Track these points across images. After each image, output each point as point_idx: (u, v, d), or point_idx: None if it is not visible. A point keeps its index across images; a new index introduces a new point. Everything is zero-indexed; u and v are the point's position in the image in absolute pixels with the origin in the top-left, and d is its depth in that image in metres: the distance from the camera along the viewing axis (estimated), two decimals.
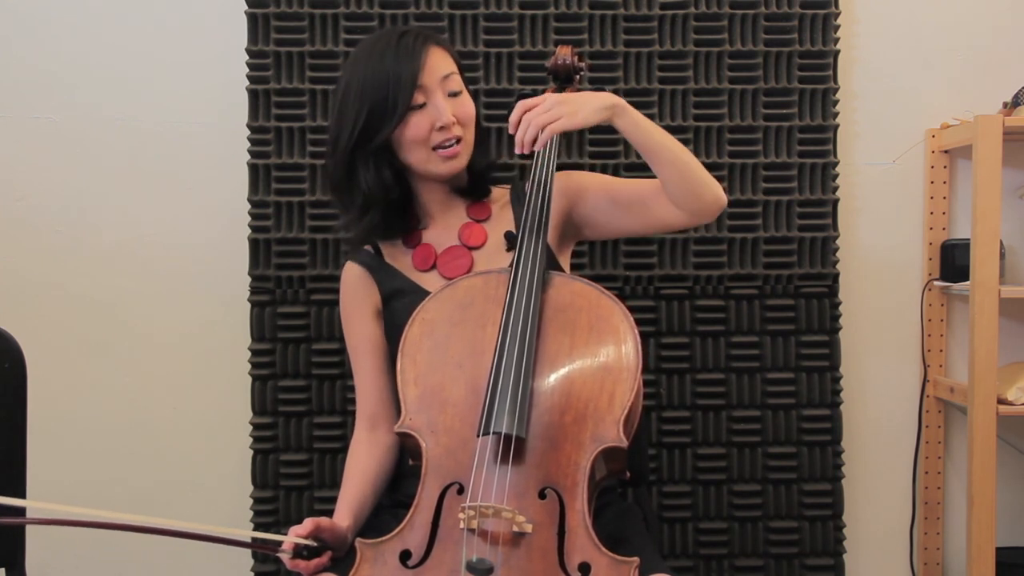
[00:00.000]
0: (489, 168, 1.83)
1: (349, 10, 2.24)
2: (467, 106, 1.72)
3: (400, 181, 1.76)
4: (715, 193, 1.67)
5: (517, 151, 1.59)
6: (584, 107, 1.57)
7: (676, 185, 1.64)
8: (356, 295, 1.79)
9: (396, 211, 1.77)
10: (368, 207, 1.74)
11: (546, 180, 1.68)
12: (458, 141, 1.70)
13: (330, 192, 1.83)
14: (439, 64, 1.68)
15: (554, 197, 1.70)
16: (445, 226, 1.79)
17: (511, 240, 1.72)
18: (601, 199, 1.77)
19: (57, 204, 2.32)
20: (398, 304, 1.73)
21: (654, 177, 1.67)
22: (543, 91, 1.88)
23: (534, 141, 1.56)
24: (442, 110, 1.67)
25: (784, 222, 2.29)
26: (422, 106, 1.67)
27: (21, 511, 1.36)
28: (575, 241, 1.86)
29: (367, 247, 1.81)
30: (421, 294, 1.67)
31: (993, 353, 2.13)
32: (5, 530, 1.64)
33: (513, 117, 1.60)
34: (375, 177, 1.71)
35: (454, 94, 1.70)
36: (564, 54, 1.89)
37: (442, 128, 1.68)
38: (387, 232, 1.79)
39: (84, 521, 1.27)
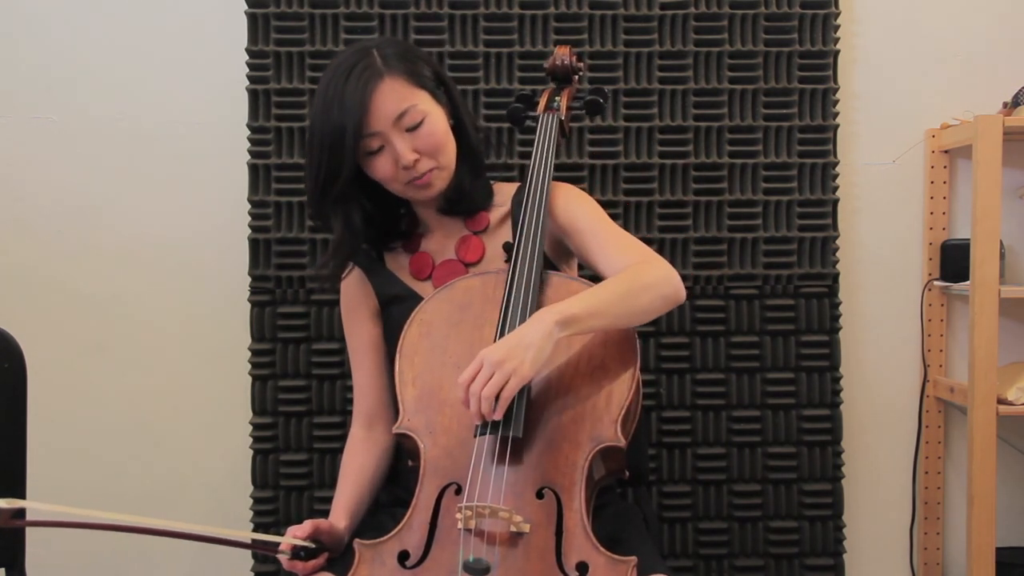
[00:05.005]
0: (479, 186, 1.76)
1: (349, 10, 2.24)
2: (431, 136, 1.62)
3: (394, 198, 1.73)
4: (673, 300, 1.58)
5: (476, 422, 1.45)
6: (527, 351, 1.41)
7: (637, 322, 1.57)
8: (354, 297, 1.79)
9: (392, 224, 1.77)
10: (338, 249, 1.70)
11: (543, 184, 1.67)
12: (430, 171, 1.64)
13: None
14: (388, 104, 1.58)
15: (550, 217, 1.69)
16: (443, 236, 1.76)
17: (510, 251, 1.66)
18: (580, 251, 1.71)
19: (57, 204, 2.32)
20: (396, 310, 1.72)
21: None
22: (542, 91, 1.89)
23: (493, 410, 1.40)
24: (400, 152, 1.60)
25: (784, 222, 2.29)
26: (381, 149, 1.62)
27: (21, 513, 1.36)
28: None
29: (367, 249, 1.79)
30: (418, 300, 1.66)
31: (993, 353, 2.13)
32: (5, 531, 1.64)
33: (460, 396, 1.42)
34: (343, 224, 1.67)
35: (415, 127, 1.61)
36: (562, 54, 1.89)
37: (406, 167, 1.62)
38: (385, 240, 1.77)
39: (84, 523, 1.27)
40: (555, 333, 1.44)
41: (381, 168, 1.63)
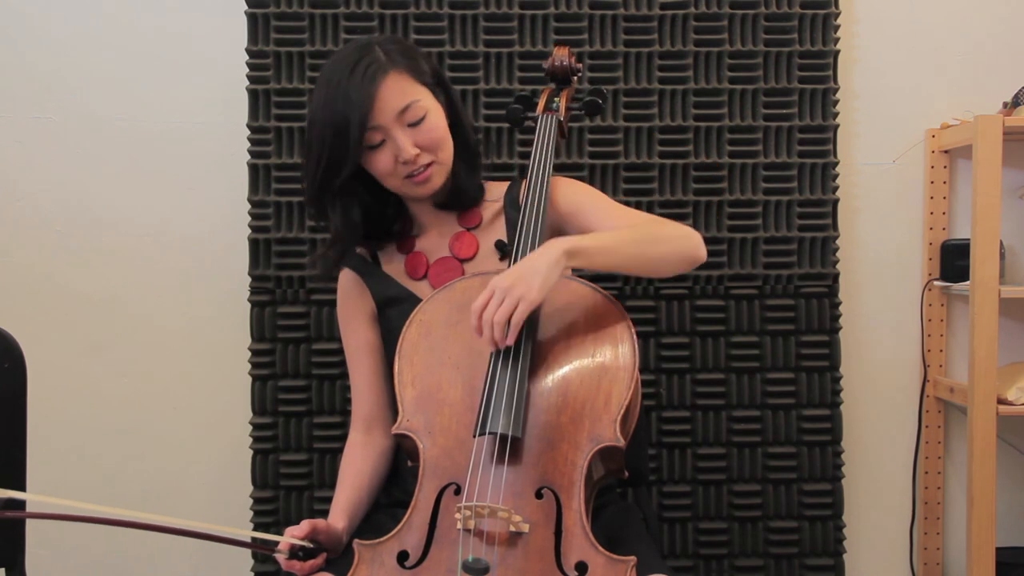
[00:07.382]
0: (474, 183, 1.77)
1: (349, 10, 2.24)
2: (432, 131, 1.64)
3: (389, 196, 1.74)
4: (691, 257, 1.63)
5: (492, 350, 1.49)
6: (535, 277, 1.45)
7: (652, 272, 1.68)
8: (350, 301, 1.79)
9: (385, 223, 1.77)
10: (336, 242, 1.71)
11: (542, 183, 1.68)
12: (428, 165, 1.65)
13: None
14: (393, 98, 1.60)
15: (552, 207, 1.70)
16: (437, 234, 1.77)
17: (502, 249, 1.72)
18: (586, 229, 1.70)
19: (57, 204, 2.32)
20: (393, 312, 1.72)
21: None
22: (541, 91, 1.89)
23: (506, 336, 1.46)
24: (402, 146, 1.61)
25: (784, 222, 2.29)
26: (382, 143, 1.62)
27: (21, 504, 1.36)
28: None
29: (363, 253, 1.79)
30: (415, 302, 1.66)
31: (993, 353, 2.12)
32: (5, 530, 1.64)
33: (474, 324, 1.47)
34: (341, 218, 1.69)
35: (416, 123, 1.63)
36: (561, 55, 1.89)
37: (406, 162, 1.63)
38: (379, 241, 1.77)
39: (84, 516, 1.27)
40: (562, 261, 1.48)
41: (381, 162, 1.64)
